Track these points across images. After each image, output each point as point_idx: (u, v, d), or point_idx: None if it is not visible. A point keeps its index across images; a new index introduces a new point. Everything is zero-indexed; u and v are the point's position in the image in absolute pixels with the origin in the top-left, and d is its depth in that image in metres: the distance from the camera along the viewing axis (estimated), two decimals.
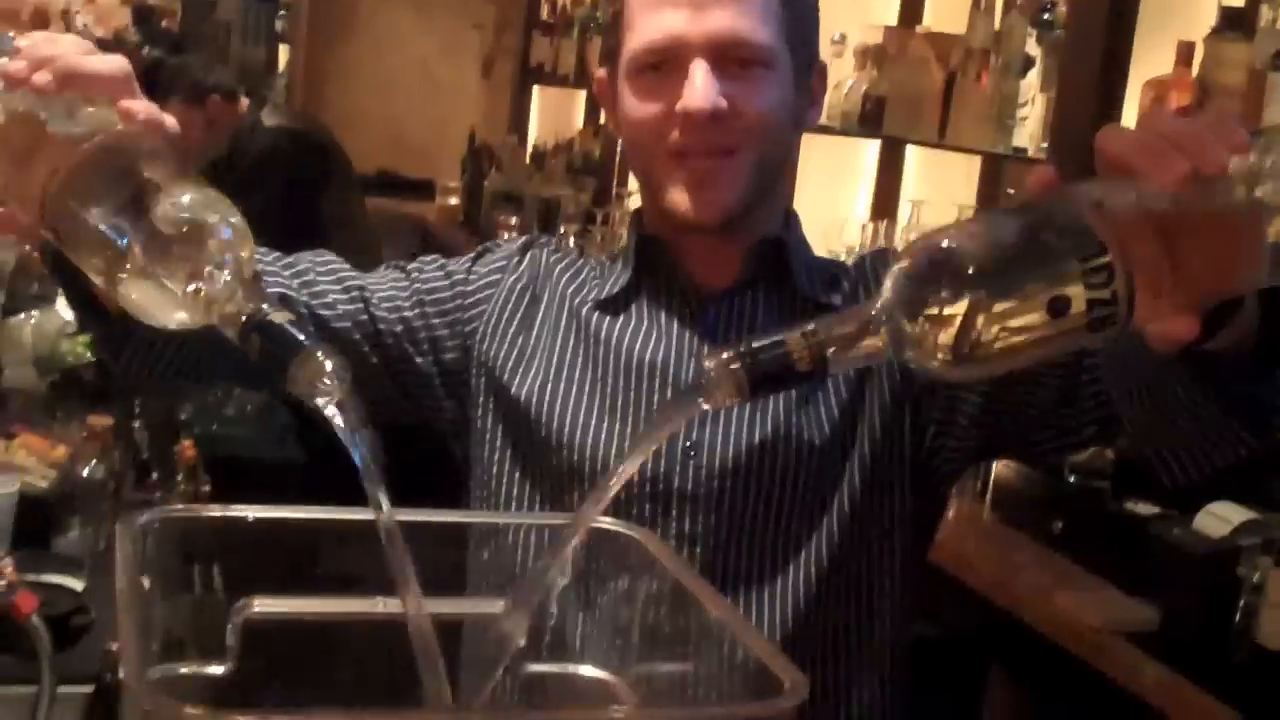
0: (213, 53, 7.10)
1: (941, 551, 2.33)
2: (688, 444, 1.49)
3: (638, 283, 1.58)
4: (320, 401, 0.94)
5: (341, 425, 0.94)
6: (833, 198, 3.87)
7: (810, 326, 0.89)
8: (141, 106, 1.12)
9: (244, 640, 1.02)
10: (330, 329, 1.53)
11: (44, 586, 2.07)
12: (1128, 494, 2.43)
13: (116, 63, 1.15)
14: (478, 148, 5.98)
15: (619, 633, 1.08)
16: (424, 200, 6.13)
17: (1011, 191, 3.40)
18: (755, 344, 0.89)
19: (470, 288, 1.61)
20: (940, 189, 3.64)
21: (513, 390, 1.55)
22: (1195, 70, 2.61)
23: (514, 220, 5.18)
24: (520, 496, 1.55)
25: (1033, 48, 3.04)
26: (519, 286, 1.61)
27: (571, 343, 1.56)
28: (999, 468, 2.72)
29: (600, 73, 1.59)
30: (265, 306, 0.96)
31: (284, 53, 7.60)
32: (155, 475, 2.64)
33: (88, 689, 1.76)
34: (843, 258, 3.47)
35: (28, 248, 1.35)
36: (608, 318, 1.57)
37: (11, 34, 1.16)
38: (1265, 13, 2.51)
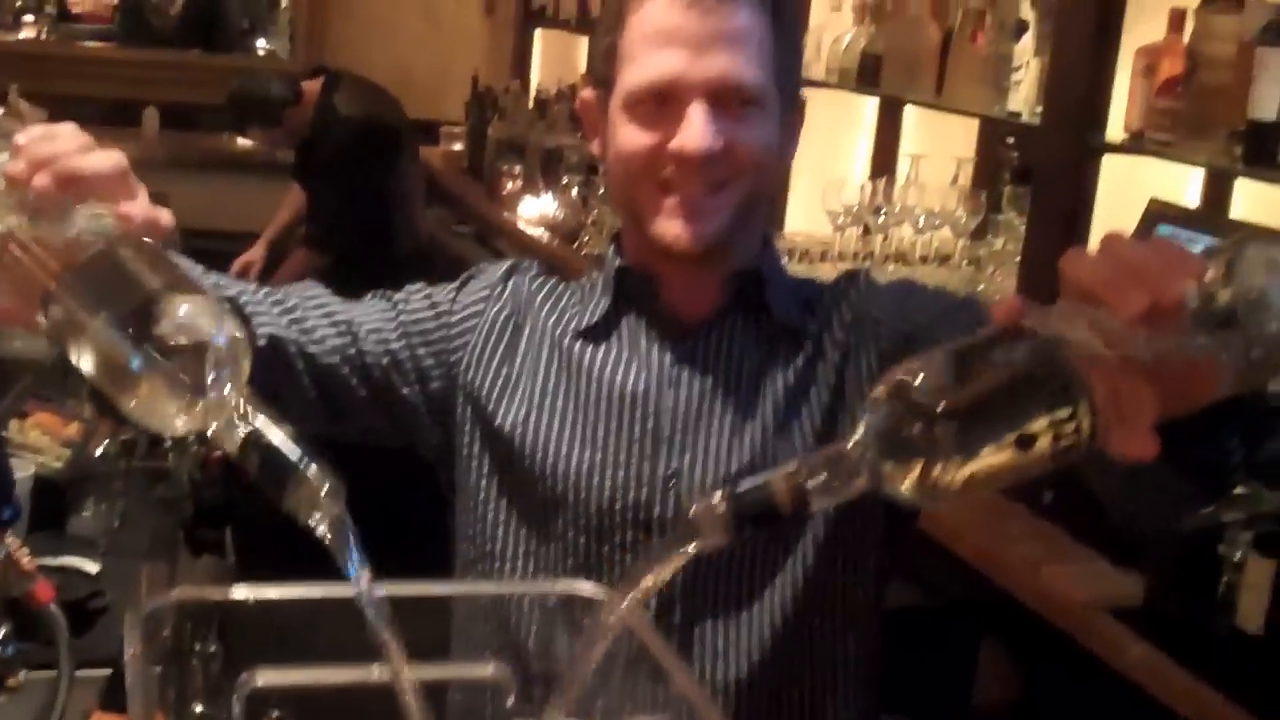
0: None
1: (934, 522, 2.37)
2: (669, 472, 1.53)
3: (617, 311, 1.61)
4: (313, 521, 0.97)
5: (335, 544, 0.98)
6: (832, 156, 3.88)
7: (792, 469, 0.93)
8: (138, 209, 1.13)
9: (249, 711, 1.07)
10: (319, 364, 1.58)
11: (60, 571, 2.12)
12: None
13: (113, 160, 1.15)
14: (481, 92, 5.98)
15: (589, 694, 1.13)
16: (428, 143, 6.14)
17: (1009, 161, 3.40)
18: (740, 488, 0.94)
19: (455, 318, 1.64)
20: (939, 145, 3.65)
21: (497, 420, 1.59)
22: (1186, 38, 2.62)
23: (517, 169, 5.19)
24: (505, 523, 1.60)
25: (1027, 12, 3.04)
26: (502, 316, 1.64)
27: (554, 372, 1.60)
28: None
29: (586, 93, 1.62)
30: (262, 423, 0.98)
31: None
32: (168, 441, 2.67)
33: (105, 672, 1.81)
34: (841, 218, 3.49)
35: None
36: (589, 347, 1.60)
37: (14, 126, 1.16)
38: None
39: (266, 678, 1.08)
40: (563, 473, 1.56)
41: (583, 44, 5.72)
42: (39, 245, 1.09)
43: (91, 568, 2.21)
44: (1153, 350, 0.91)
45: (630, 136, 1.53)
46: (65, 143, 1.14)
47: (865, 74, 3.61)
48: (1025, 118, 3.03)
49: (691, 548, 0.96)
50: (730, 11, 1.48)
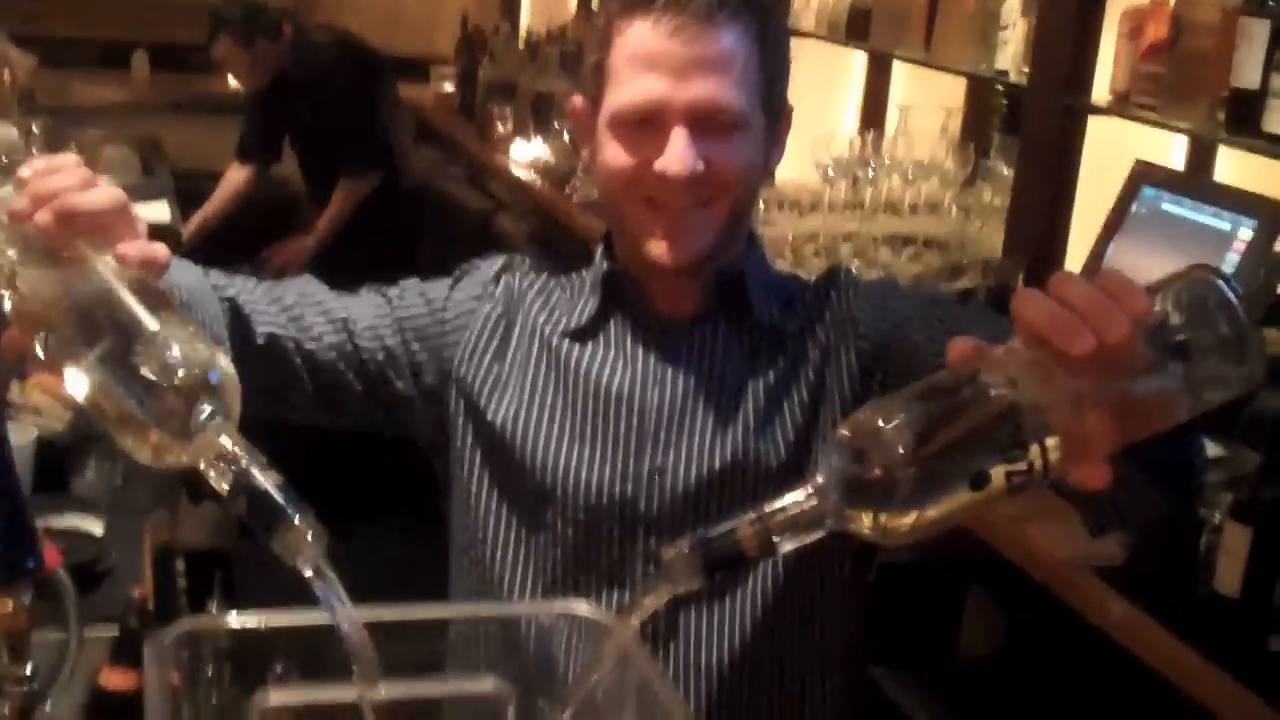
0: None
1: None
2: (654, 468, 1.58)
3: (605, 313, 1.65)
4: (299, 565, 1.01)
5: (320, 586, 1.02)
6: (821, 109, 3.90)
7: (758, 514, 0.98)
8: (135, 249, 1.14)
9: None
10: (316, 360, 1.62)
11: (65, 534, 2.15)
12: None
13: (112, 196, 1.17)
14: (470, 32, 5.97)
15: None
16: (419, 81, 6.13)
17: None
18: (710, 534, 0.99)
19: (449, 315, 1.68)
20: (928, 96, 3.66)
21: (488, 416, 1.64)
22: (1172, 2, 2.65)
23: (509, 111, 5.20)
24: (496, 513, 1.65)
25: None
26: (495, 315, 1.68)
27: (543, 371, 1.65)
28: None
29: (578, 101, 1.65)
30: (254, 469, 1.01)
31: None
32: None
33: (112, 631, 1.85)
34: (831, 172, 3.52)
35: None
36: (577, 347, 1.65)
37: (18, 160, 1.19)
38: None
39: (279, 697, 1.13)
40: (551, 468, 1.61)
41: None
42: (37, 282, 1.13)
43: (96, 528, 2.22)
44: (1102, 394, 0.95)
45: (615, 155, 1.57)
46: (67, 178, 1.16)
47: (854, 27, 3.63)
48: (1013, 77, 3.06)
49: (667, 590, 1.01)
50: (714, 36, 1.51)
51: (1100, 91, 2.80)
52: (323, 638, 1.04)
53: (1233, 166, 2.79)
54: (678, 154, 1.51)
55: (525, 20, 6.31)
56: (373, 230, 5.02)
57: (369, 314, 1.67)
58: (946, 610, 2.54)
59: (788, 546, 0.98)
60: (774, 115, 1.60)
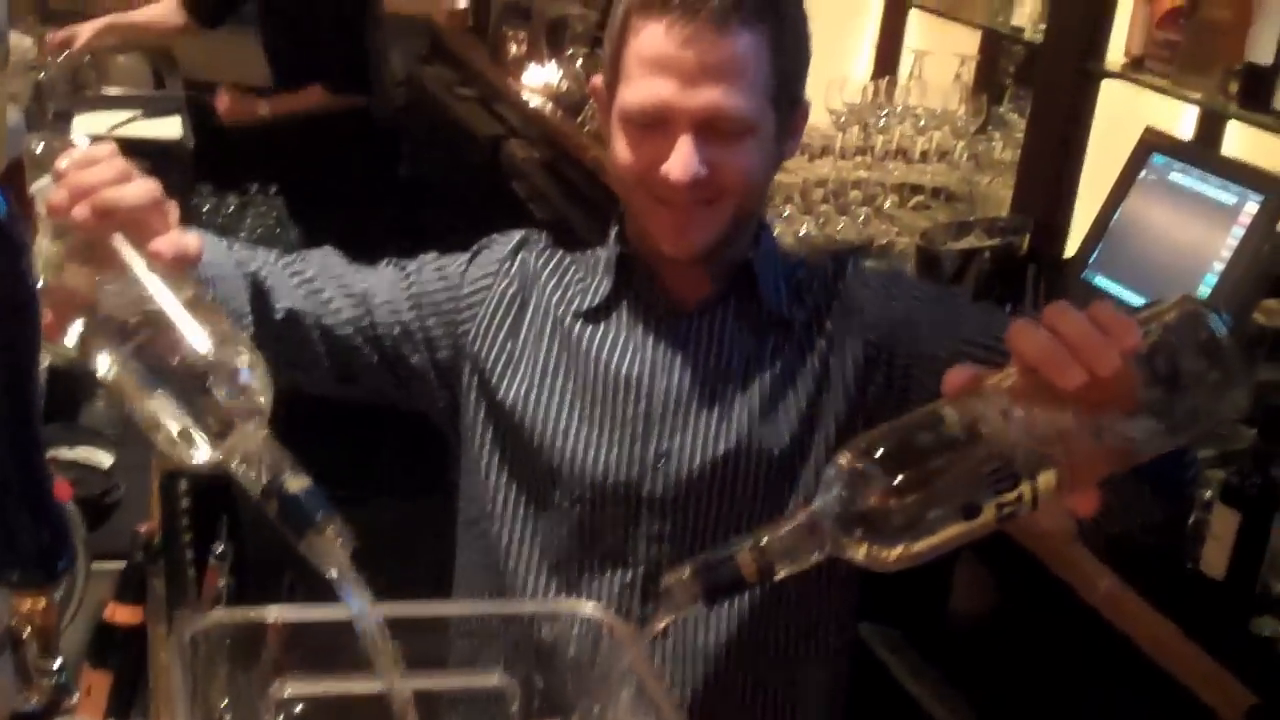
0: None
1: None
2: (659, 452, 1.61)
3: (617, 295, 1.68)
4: (327, 569, 1.04)
5: (342, 589, 1.04)
6: (835, 54, 3.87)
7: (757, 542, 1.01)
8: (169, 245, 1.18)
9: (282, 716, 1.15)
10: (334, 335, 1.65)
11: (74, 465, 2.18)
12: None
13: (148, 190, 1.21)
14: None
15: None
16: None
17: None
18: (709, 560, 1.02)
19: (464, 291, 1.71)
20: (943, 42, 3.64)
21: (500, 393, 1.67)
22: None
23: (523, 35, 5.16)
24: (505, 488, 1.69)
25: None
26: (510, 293, 1.71)
27: (555, 352, 1.67)
28: None
29: (597, 80, 1.67)
30: (285, 472, 1.04)
31: None
32: None
33: (119, 565, 1.88)
34: (844, 117, 3.51)
35: None
36: (589, 328, 1.68)
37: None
38: None
39: (295, 688, 1.16)
40: (559, 448, 1.64)
41: None
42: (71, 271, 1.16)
43: (105, 460, 2.24)
44: (1092, 426, 0.98)
45: (624, 151, 1.59)
46: (104, 172, 1.20)
47: None
48: (1028, 35, 3.05)
49: (670, 613, 1.05)
50: (726, 43, 1.52)
51: (1115, 56, 2.79)
52: (338, 630, 1.07)
53: (1241, 141, 2.78)
54: (682, 161, 1.53)
55: None
56: (347, 163, 4.91)
57: (386, 289, 1.69)
58: (937, 570, 2.57)
59: (785, 573, 1.01)
60: (788, 109, 1.61)
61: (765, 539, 1.01)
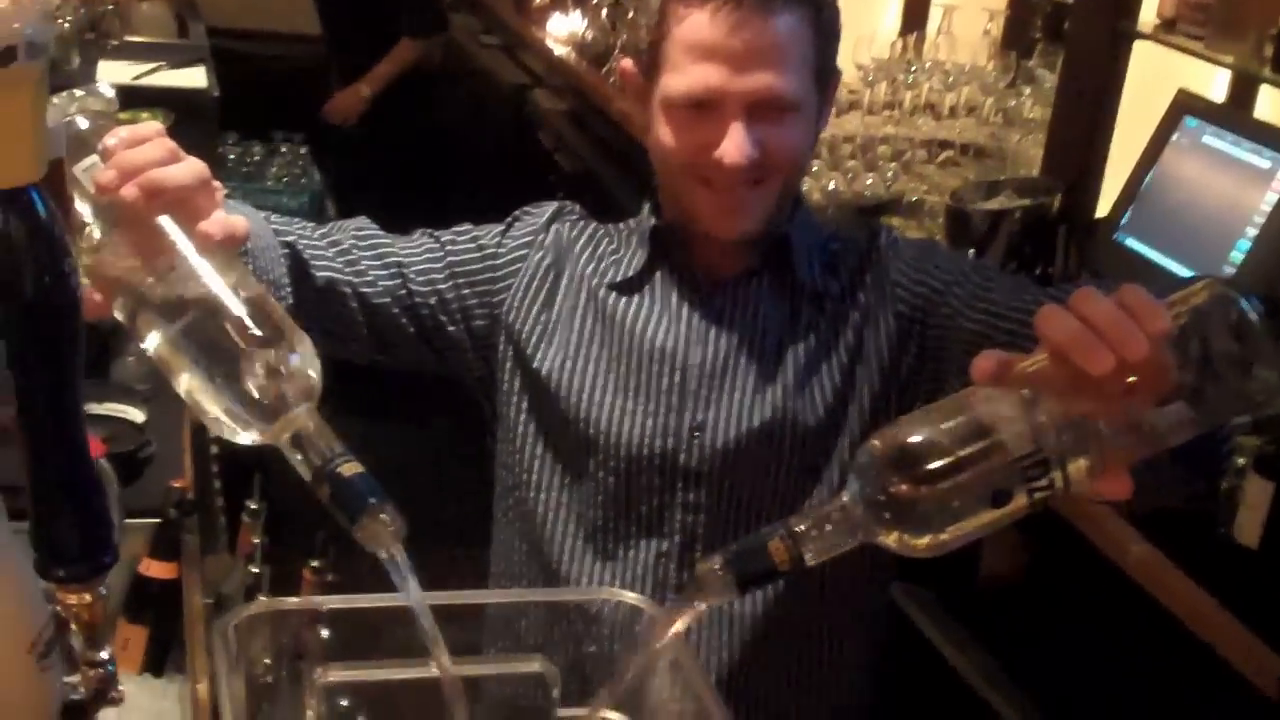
0: None
1: None
2: (694, 424, 1.63)
3: (651, 267, 1.69)
4: (379, 552, 1.04)
5: (398, 573, 1.05)
6: (863, 9, 3.84)
7: (789, 528, 1.00)
8: (216, 226, 1.18)
9: (324, 703, 1.17)
10: (371, 304, 1.67)
11: (107, 421, 2.18)
12: None
13: (196, 170, 1.21)
14: None
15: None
16: None
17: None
18: (741, 549, 1.02)
19: (499, 261, 1.72)
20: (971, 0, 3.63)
21: (534, 363, 1.68)
22: None
23: None
24: (541, 457, 1.71)
25: None
26: (544, 264, 1.72)
27: (589, 323, 1.69)
28: None
29: (626, 63, 1.67)
30: (337, 456, 1.04)
31: None
32: None
33: (152, 520, 1.87)
34: (872, 72, 3.51)
35: None
36: (623, 300, 1.69)
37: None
38: None
39: (338, 674, 1.18)
40: (595, 419, 1.65)
41: None
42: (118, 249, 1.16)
43: (138, 416, 2.25)
44: (1123, 412, 0.98)
45: (669, 137, 1.60)
46: (152, 151, 1.19)
47: None
48: None
49: (699, 604, 1.04)
50: (771, 26, 1.52)
51: (1147, 17, 2.78)
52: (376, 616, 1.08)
53: (1275, 104, 2.78)
54: (736, 144, 1.54)
55: None
56: (374, 111, 4.96)
57: (422, 258, 1.71)
58: None
59: (817, 560, 1.01)
60: (826, 86, 1.62)
61: (797, 526, 1.01)
